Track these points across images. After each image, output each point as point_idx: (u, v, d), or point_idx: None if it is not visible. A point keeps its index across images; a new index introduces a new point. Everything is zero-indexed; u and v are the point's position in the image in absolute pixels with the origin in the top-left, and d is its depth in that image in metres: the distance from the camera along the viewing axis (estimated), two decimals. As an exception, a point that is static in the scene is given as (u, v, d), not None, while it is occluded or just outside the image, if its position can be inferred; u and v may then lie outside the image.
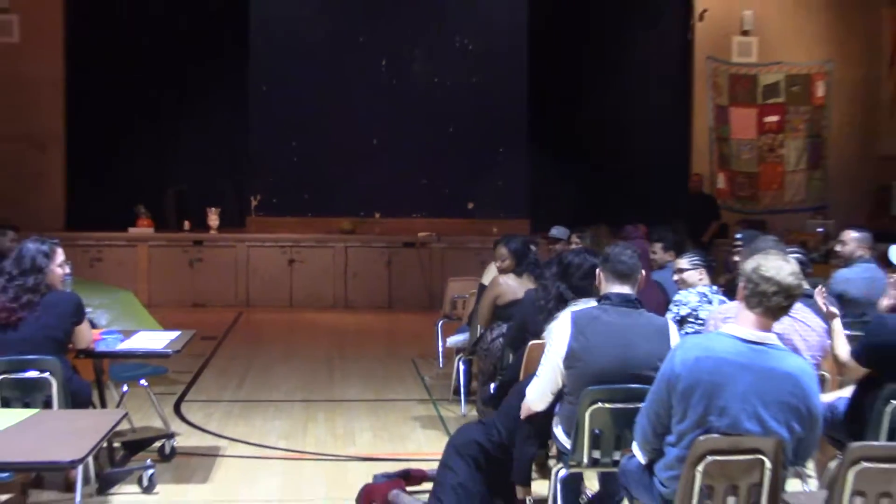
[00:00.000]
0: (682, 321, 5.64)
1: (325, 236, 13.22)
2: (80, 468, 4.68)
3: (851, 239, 7.16)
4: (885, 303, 5.72)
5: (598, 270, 4.63)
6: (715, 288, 5.97)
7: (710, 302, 5.76)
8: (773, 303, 3.57)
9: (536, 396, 4.57)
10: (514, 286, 6.61)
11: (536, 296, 5.58)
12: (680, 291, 5.90)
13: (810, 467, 5.26)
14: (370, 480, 5.42)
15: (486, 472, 4.88)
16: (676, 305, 5.79)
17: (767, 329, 3.61)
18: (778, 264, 3.60)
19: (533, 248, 7.08)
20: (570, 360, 4.36)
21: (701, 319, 5.62)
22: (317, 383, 8.61)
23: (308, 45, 13.70)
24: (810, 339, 4.79)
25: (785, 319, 4.61)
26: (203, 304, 12.72)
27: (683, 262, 6.09)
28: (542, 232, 10.44)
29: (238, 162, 14.19)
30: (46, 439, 3.90)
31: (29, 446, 3.83)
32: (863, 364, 4.72)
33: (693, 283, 5.96)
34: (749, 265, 3.65)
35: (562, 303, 5.23)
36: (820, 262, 10.44)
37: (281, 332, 11.58)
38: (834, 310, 5.00)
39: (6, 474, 4.61)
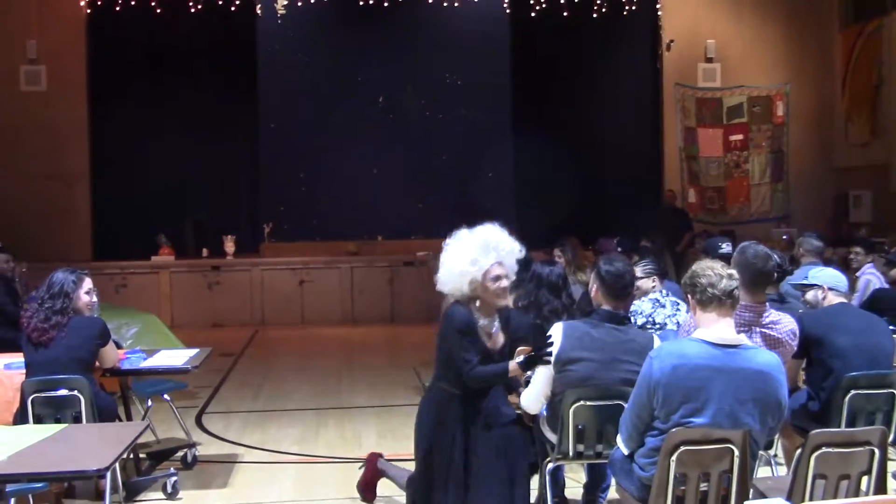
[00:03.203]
0: (641, 328, 5.40)
1: (333, 258, 13.23)
2: (109, 477, 4.66)
3: (807, 251, 7.13)
4: None
5: (593, 284, 4.48)
6: (665, 291, 5.82)
7: (663, 306, 5.66)
8: (719, 290, 3.59)
9: (531, 400, 4.49)
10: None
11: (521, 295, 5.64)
12: (635, 302, 5.68)
13: (780, 455, 5.26)
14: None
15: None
16: (633, 315, 5.57)
17: (730, 323, 3.61)
18: (704, 263, 3.69)
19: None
20: (560, 365, 4.34)
21: (658, 323, 5.53)
22: (327, 392, 8.60)
23: (312, 85, 13.75)
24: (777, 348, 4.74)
25: (756, 337, 4.56)
26: (222, 324, 12.71)
27: (637, 271, 5.79)
28: (529, 247, 10.43)
29: (251, 193, 14.24)
30: (75, 451, 3.89)
31: (59, 458, 3.82)
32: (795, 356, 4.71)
33: (647, 290, 5.82)
34: (685, 280, 3.74)
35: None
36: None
37: (293, 346, 11.56)
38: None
39: (41, 484, 4.58)
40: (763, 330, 4.48)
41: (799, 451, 3.73)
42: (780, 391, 3.58)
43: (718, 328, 3.61)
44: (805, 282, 5.20)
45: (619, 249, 7.82)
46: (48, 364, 5.00)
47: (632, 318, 5.52)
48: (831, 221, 13.30)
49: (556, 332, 4.37)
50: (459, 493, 4.24)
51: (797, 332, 4.62)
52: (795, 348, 4.59)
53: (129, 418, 5.80)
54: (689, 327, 4.66)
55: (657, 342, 4.40)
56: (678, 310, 5.59)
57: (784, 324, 4.56)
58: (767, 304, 4.63)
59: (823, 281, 5.04)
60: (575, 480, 5.27)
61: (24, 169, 12.99)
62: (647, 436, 3.68)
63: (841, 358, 4.64)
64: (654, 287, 5.86)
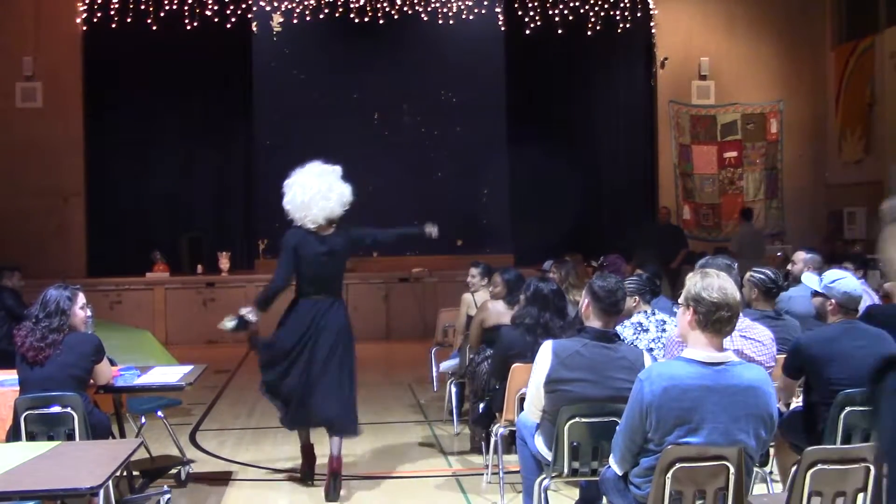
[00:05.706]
0: None
1: (327, 275, 13.18)
2: (101, 495, 4.64)
3: (801, 259, 7.15)
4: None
5: (586, 300, 4.44)
6: (649, 311, 5.65)
7: (646, 330, 5.49)
8: (725, 322, 3.53)
9: (529, 411, 4.58)
10: (500, 311, 6.60)
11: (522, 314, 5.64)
12: (617, 327, 5.39)
13: (776, 472, 5.24)
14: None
15: None
16: None
17: (720, 346, 3.56)
18: (721, 284, 3.52)
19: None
20: (550, 385, 4.34)
21: (639, 349, 5.43)
22: (321, 410, 8.54)
23: (307, 102, 13.78)
24: (760, 354, 4.77)
25: (737, 339, 4.64)
26: (216, 341, 12.60)
27: None
28: (525, 264, 10.47)
29: (246, 209, 14.22)
30: (68, 468, 3.87)
31: (52, 475, 3.80)
32: (786, 374, 4.76)
33: (629, 310, 5.56)
34: (692, 290, 3.54)
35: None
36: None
37: (288, 363, 11.48)
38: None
39: (33, 502, 4.55)
40: (741, 334, 4.68)
41: (794, 467, 3.72)
42: (770, 404, 3.57)
43: (708, 348, 3.57)
44: (819, 290, 4.92)
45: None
46: (43, 382, 4.97)
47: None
48: (825, 238, 13.32)
49: (546, 351, 4.38)
50: None
51: (774, 338, 4.80)
52: (773, 351, 4.76)
53: (122, 435, 5.77)
54: (673, 346, 4.68)
55: (647, 359, 4.40)
56: (664, 330, 5.46)
57: (759, 329, 4.78)
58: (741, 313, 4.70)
59: (834, 296, 4.80)
60: (568, 497, 5.25)
61: (19, 185, 12.98)
62: (641, 457, 3.66)
63: (839, 394, 4.55)
64: (635, 306, 5.66)
